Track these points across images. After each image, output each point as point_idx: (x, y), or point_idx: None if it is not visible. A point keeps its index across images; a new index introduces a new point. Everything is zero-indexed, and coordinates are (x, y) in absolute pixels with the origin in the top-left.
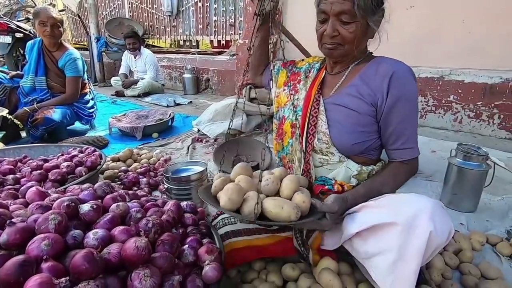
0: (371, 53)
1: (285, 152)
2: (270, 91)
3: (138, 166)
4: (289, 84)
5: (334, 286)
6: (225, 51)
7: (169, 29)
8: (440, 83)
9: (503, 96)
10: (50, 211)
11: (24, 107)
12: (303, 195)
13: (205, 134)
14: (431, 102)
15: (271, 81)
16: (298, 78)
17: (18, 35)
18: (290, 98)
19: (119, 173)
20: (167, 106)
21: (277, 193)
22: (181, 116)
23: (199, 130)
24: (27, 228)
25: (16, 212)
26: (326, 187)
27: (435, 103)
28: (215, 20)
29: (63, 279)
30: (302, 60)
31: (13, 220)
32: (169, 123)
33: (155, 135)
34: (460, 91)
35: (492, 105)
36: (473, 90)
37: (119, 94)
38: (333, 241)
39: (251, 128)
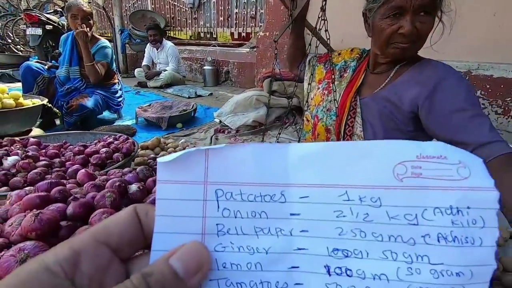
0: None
1: None
2: (305, 84)
3: (166, 154)
4: (323, 82)
5: None
6: (245, 43)
7: (190, 21)
8: (467, 77)
9: None
10: (106, 190)
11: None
12: None
13: (227, 125)
14: None
15: (305, 75)
16: (333, 76)
17: (48, 27)
18: (323, 99)
19: (149, 160)
20: (189, 97)
21: None
22: (203, 107)
23: (220, 121)
24: (88, 203)
25: (73, 190)
26: None
27: None
28: (236, 12)
29: None
30: (338, 54)
31: (75, 196)
32: (192, 114)
33: (179, 125)
34: (488, 86)
35: None
36: (502, 86)
37: (142, 85)
38: None
39: (271, 120)
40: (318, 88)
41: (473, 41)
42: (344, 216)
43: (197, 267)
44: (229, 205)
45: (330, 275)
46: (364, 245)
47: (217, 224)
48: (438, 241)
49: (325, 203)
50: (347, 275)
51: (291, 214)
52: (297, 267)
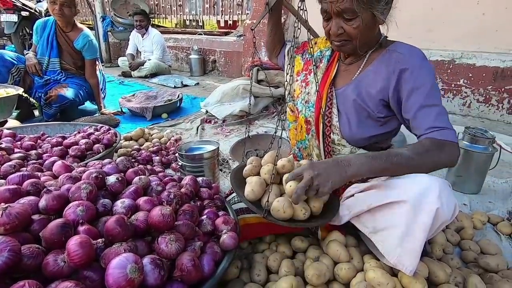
0: (386, 37)
1: (303, 145)
2: (286, 76)
3: (150, 145)
4: (301, 74)
5: (341, 256)
6: (232, 32)
7: (175, 8)
8: (451, 66)
9: None
10: (82, 181)
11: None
12: (315, 200)
13: (214, 115)
14: (440, 86)
15: (284, 65)
16: (309, 68)
17: (24, 13)
18: (302, 91)
19: (132, 152)
20: (175, 87)
21: None
22: (189, 97)
23: (207, 111)
24: (62, 195)
25: (48, 182)
26: None
27: (444, 87)
28: None
29: (99, 240)
30: (314, 43)
31: (49, 188)
32: (178, 104)
33: (164, 115)
34: (470, 75)
35: (503, 89)
36: (484, 74)
37: (126, 74)
38: (339, 217)
39: (258, 110)
40: (297, 80)
41: (457, 29)
42: None
43: None
44: None
45: None
46: None
47: None
48: None
49: None
50: None
51: None
52: None
